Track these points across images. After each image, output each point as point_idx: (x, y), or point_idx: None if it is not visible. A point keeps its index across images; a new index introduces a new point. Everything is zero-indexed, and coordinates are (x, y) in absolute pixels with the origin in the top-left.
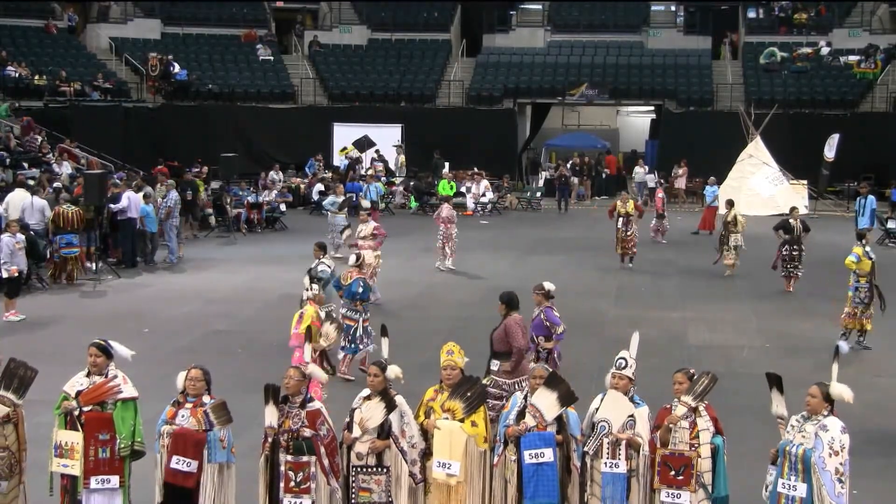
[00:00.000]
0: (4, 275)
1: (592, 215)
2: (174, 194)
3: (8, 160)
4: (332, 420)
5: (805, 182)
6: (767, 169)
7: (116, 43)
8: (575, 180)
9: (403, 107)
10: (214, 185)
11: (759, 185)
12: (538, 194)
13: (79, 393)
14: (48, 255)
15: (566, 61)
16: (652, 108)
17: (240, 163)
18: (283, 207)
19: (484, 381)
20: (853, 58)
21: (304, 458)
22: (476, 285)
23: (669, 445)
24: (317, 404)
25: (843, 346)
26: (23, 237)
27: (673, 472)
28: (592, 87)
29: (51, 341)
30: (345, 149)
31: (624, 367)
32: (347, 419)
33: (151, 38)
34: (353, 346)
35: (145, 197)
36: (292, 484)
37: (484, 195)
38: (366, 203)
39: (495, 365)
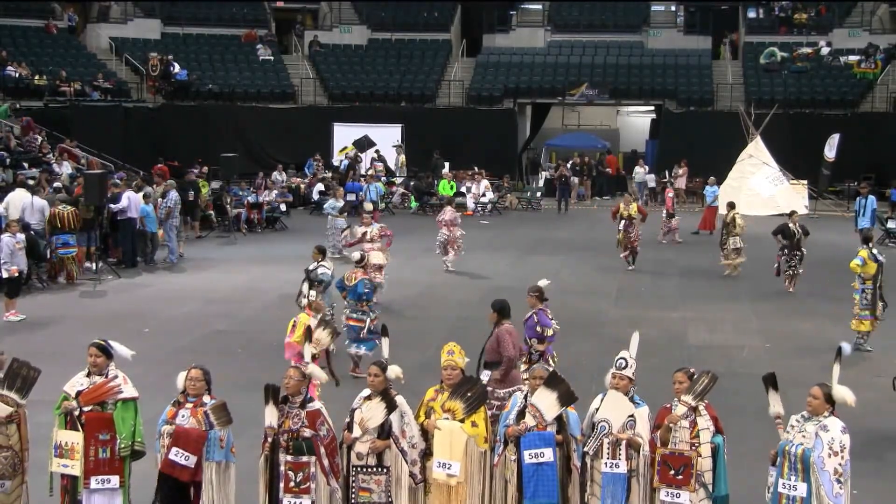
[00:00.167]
0: (4, 275)
1: (592, 215)
2: (174, 194)
3: (8, 160)
4: (332, 420)
5: (805, 182)
6: (767, 169)
7: (116, 43)
8: (575, 180)
9: (403, 107)
10: (214, 184)
11: (759, 185)
12: (538, 194)
13: (79, 393)
14: (48, 255)
15: (566, 61)
16: (652, 108)
17: (240, 163)
18: (283, 207)
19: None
20: (853, 58)
21: (304, 459)
22: (476, 285)
23: (669, 445)
24: (317, 404)
25: (846, 347)
26: (23, 237)
27: (672, 472)
28: (592, 87)
29: (51, 341)
30: (345, 148)
31: (624, 368)
32: (347, 419)
33: (151, 38)
34: (361, 343)
35: (145, 197)
36: (292, 484)
37: (484, 195)
38: (369, 206)
39: (486, 375)
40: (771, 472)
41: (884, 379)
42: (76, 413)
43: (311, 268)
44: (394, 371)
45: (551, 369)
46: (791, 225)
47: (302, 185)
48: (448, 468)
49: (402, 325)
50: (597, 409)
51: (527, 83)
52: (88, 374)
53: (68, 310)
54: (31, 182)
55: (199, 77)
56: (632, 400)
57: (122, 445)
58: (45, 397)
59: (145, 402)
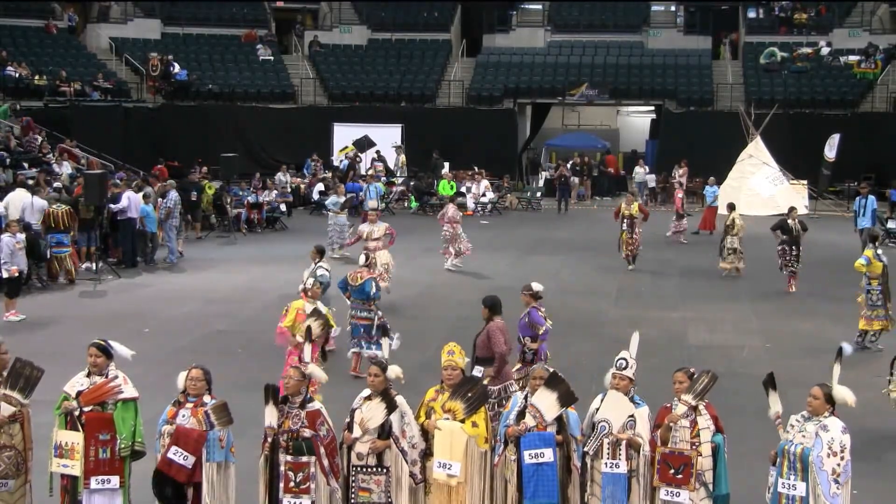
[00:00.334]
0: (5, 275)
1: (592, 215)
2: (174, 194)
3: (8, 160)
4: (332, 420)
5: (805, 182)
6: (767, 169)
7: (116, 43)
8: (575, 180)
9: (403, 107)
10: (214, 184)
11: (759, 185)
12: (538, 194)
13: (79, 393)
14: (48, 255)
15: (566, 61)
16: (652, 108)
17: (240, 163)
18: (283, 207)
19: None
20: (853, 58)
21: (304, 459)
22: (476, 285)
23: (670, 444)
24: (317, 405)
25: (847, 347)
26: (23, 237)
27: (672, 471)
28: (592, 87)
29: (51, 341)
30: (345, 148)
31: (624, 368)
32: (347, 419)
33: (151, 38)
34: (367, 344)
35: (145, 197)
36: (292, 484)
37: (484, 195)
38: (373, 203)
39: (478, 371)
40: (771, 472)
41: (884, 378)
42: (76, 413)
43: (309, 269)
44: (394, 371)
45: (551, 370)
46: (790, 221)
47: (302, 186)
48: (448, 468)
49: (402, 325)
50: (597, 410)
51: (527, 83)
52: (88, 375)
53: (68, 310)
54: (30, 182)
55: (199, 77)
56: (632, 400)
57: (123, 446)
58: (46, 397)
59: (145, 402)
